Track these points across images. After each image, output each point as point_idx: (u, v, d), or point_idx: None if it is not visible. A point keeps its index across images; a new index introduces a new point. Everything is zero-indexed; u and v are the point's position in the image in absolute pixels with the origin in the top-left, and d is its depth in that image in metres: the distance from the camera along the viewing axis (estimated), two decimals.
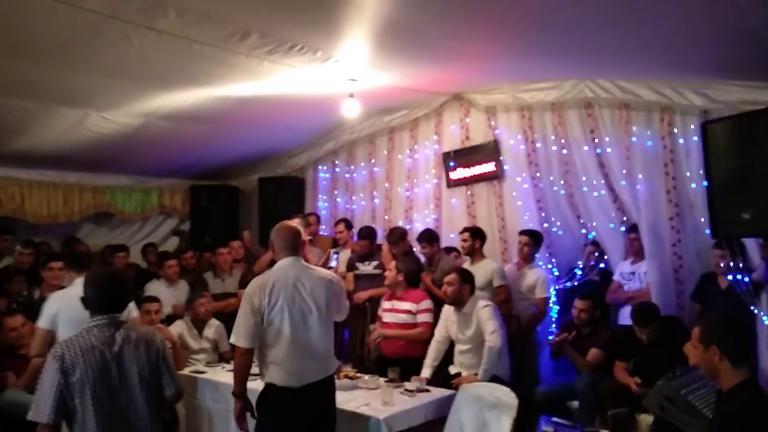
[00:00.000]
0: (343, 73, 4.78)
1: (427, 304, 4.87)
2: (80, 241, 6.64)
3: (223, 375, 4.45)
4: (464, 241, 5.40)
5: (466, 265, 5.22)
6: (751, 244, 4.30)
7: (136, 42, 3.82)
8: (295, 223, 5.20)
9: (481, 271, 5.07)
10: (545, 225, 5.61)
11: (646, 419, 4.06)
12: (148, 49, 3.95)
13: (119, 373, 2.60)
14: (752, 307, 4.21)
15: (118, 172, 6.96)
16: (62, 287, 4.27)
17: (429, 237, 5.57)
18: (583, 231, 5.53)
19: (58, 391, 2.48)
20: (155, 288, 5.64)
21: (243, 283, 5.98)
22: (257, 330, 3.20)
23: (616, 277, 5.15)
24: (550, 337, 5.03)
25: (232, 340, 3.27)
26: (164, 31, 3.72)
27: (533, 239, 5.36)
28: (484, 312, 4.42)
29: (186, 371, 4.62)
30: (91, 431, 2.50)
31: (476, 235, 5.36)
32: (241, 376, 3.29)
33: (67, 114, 5.08)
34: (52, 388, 2.48)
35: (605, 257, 5.39)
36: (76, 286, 3.80)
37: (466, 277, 4.58)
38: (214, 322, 5.20)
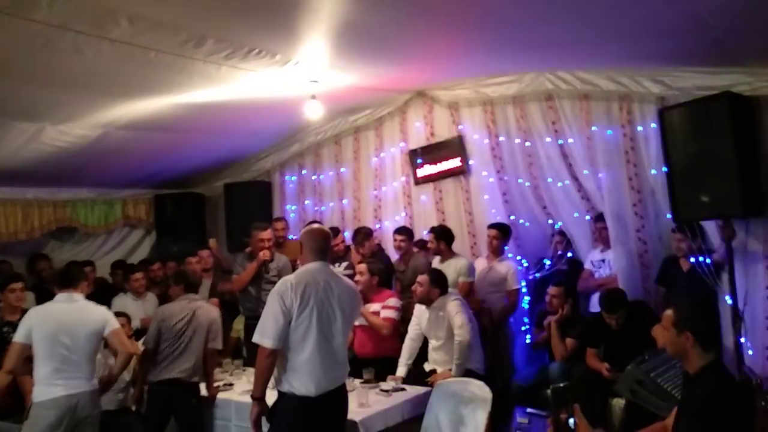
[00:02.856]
0: (303, 75, 4.75)
1: (393, 302, 4.87)
2: (47, 258, 6.47)
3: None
4: (430, 242, 5.43)
5: (436, 264, 5.25)
6: (711, 227, 4.40)
7: (89, 52, 3.72)
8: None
9: (452, 268, 5.10)
10: (512, 217, 5.67)
11: (618, 403, 4.13)
12: (102, 59, 3.86)
13: (193, 326, 4.21)
14: (715, 288, 4.32)
15: (78, 185, 6.79)
16: (25, 309, 4.17)
17: (407, 230, 5.66)
18: (550, 221, 5.59)
19: (157, 331, 4.19)
20: (122, 302, 5.51)
21: (213, 292, 5.91)
22: (285, 331, 3.08)
23: (587, 266, 5.24)
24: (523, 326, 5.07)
25: (256, 339, 3.12)
26: (117, 40, 3.64)
27: (502, 232, 5.41)
28: (451, 306, 4.45)
29: None
30: (165, 356, 4.18)
31: (441, 236, 5.35)
32: (264, 379, 3.15)
33: (22, 129, 4.94)
34: (155, 328, 4.20)
35: (572, 246, 5.46)
36: (56, 302, 3.75)
37: (437, 280, 4.59)
38: None
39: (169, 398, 4.15)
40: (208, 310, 4.37)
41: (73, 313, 3.75)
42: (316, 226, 3.59)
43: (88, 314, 3.82)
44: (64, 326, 3.66)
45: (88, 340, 3.74)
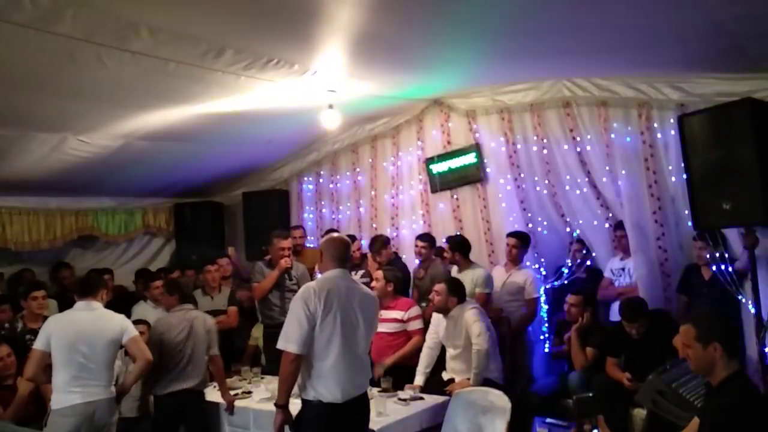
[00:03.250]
0: (321, 85, 4.78)
1: (416, 310, 4.88)
2: (69, 266, 6.56)
3: (213, 393, 4.42)
4: (446, 252, 5.41)
5: (454, 273, 5.23)
6: (733, 235, 4.33)
7: (110, 64, 3.79)
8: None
9: (468, 278, 5.07)
10: (530, 225, 5.64)
11: (639, 414, 4.08)
12: (123, 71, 3.92)
13: (193, 337, 4.26)
14: (738, 297, 4.25)
15: (100, 194, 6.90)
16: (47, 317, 4.23)
17: (430, 238, 5.65)
18: (568, 229, 5.55)
19: (159, 343, 4.17)
20: (142, 310, 5.55)
21: (232, 300, 5.94)
22: (309, 336, 3.09)
23: (606, 274, 5.18)
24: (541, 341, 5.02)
25: (281, 345, 3.12)
26: (138, 52, 3.69)
27: (521, 241, 5.37)
28: (469, 315, 4.43)
29: None
30: (170, 368, 4.19)
31: (456, 247, 5.33)
32: (288, 386, 3.14)
33: (44, 139, 5.03)
34: (157, 342, 4.17)
35: (591, 254, 5.41)
36: (75, 311, 3.80)
37: (455, 289, 4.58)
38: None
39: (181, 407, 4.21)
40: (204, 320, 4.41)
41: (91, 321, 3.80)
42: (336, 234, 3.63)
43: (106, 322, 3.86)
44: (82, 334, 3.70)
45: (106, 349, 3.78)
